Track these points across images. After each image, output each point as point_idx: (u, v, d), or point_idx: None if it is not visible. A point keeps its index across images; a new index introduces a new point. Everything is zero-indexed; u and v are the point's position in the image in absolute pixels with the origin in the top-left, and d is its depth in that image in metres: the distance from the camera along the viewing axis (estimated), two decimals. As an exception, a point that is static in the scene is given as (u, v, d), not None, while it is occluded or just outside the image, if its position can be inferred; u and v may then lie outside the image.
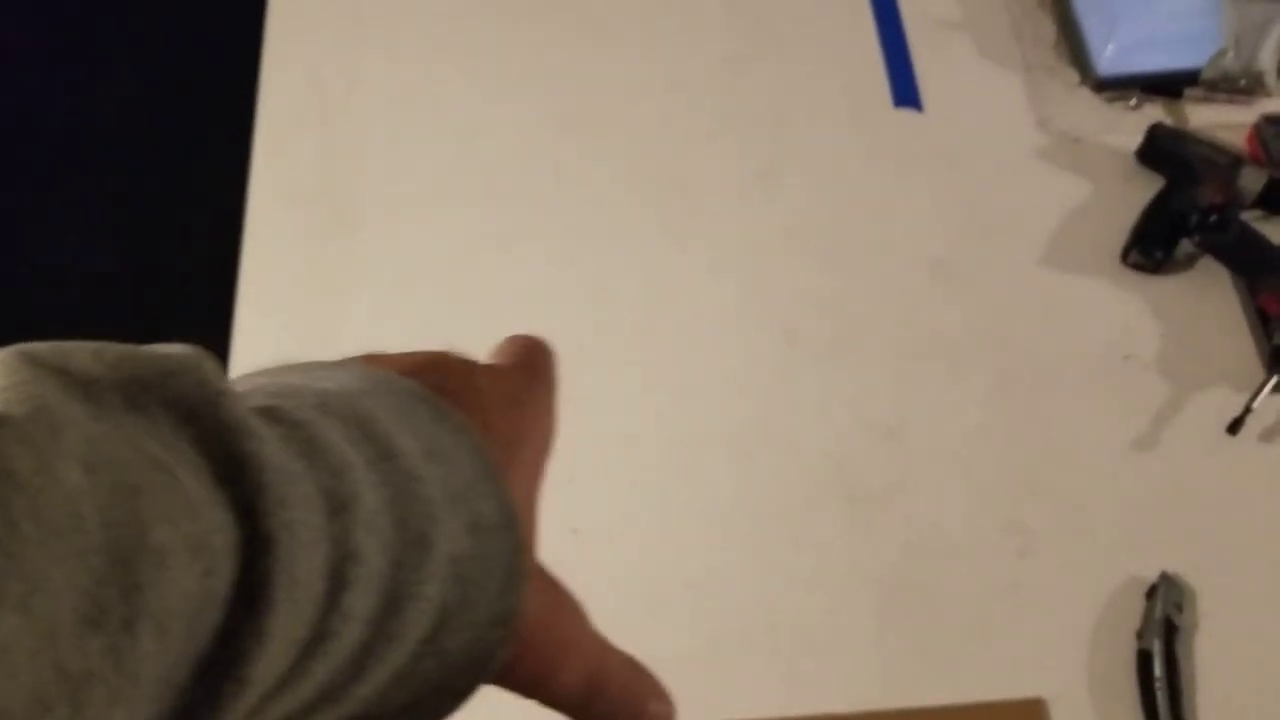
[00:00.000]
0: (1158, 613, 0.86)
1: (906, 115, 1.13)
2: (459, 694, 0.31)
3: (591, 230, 1.06)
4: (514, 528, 0.31)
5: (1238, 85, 1.11)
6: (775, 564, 0.90)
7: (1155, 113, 1.12)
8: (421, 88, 1.14)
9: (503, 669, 0.32)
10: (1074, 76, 1.14)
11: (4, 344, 0.25)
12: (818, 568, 0.90)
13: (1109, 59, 1.13)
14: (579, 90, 1.14)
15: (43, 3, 1.94)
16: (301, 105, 1.12)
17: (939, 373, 0.98)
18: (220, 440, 0.25)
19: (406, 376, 0.33)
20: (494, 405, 0.35)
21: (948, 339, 1.00)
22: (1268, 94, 1.11)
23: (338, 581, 0.26)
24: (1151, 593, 0.87)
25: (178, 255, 1.69)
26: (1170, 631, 0.85)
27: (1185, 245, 1.02)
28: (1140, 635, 0.86)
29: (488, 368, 0.37)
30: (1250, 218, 1.03)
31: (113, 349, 0.25)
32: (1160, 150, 1.07)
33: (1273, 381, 0.94)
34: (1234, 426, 0.93)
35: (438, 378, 0.33)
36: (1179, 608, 0.86)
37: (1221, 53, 1.11)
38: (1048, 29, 1.18)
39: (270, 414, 0.27)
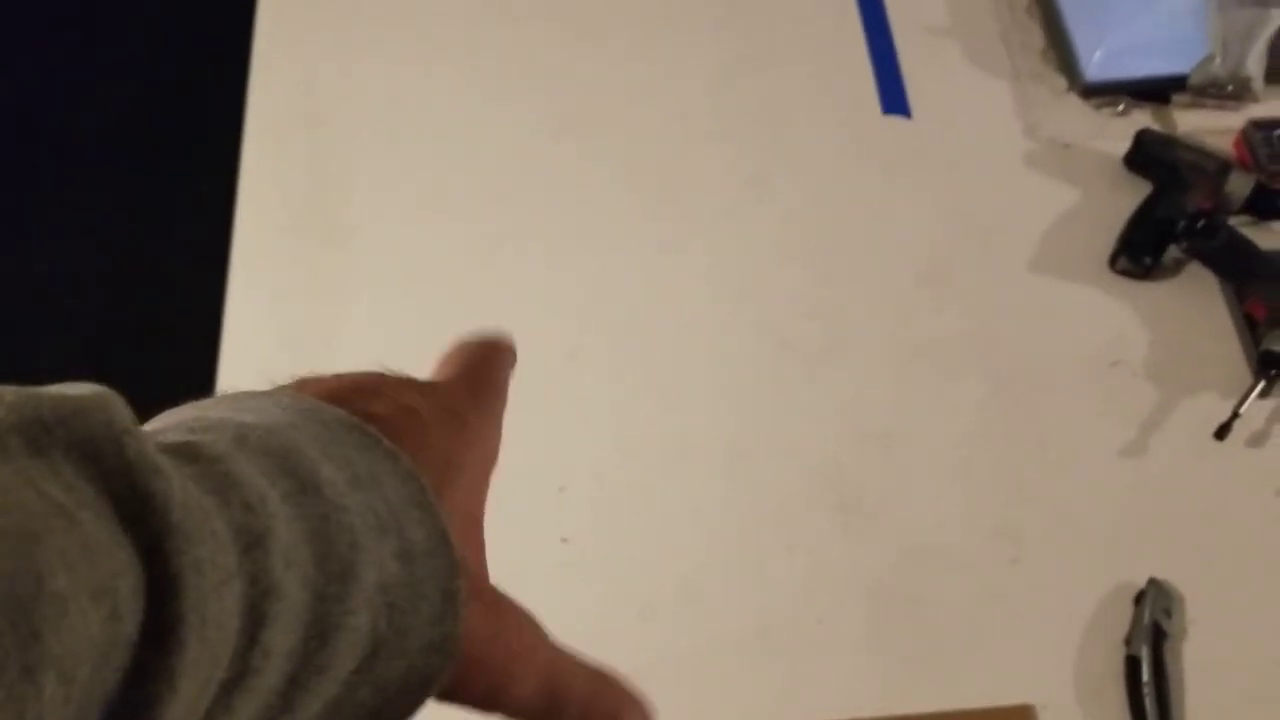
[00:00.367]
0: (1146, 618, 0.86)
1: (896, 122, 1.13)
2: (405, 713, 0.31)
3: (584, 235, 1.06)
4: (448, 552, 0.31)
5: (1225, 90, 1.12)
6: (766, 571, 0.91)
7: (1143, 118, 1.12)
8: (414, 89, 1.14)
9: (452, 688, 0.32)
10: (1062, 83, 1.15)
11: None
12: (809, 574, 0.90)
13: (1097, 65, 1.13)
14: (573, 96, 1.14)
15: (37, 5, 1.94)
16: (292, 107, 1.12)
17: (929, 379, 0.99)
18: (125, 479, 0.24)
19: (337, 402, 0.32)
20: (430, 424, 0.34)
21: (938, 345, 1.00)
22: (1255, 99, 1.12)
23: (255, 618, 0.26)
24: (1140, 598, 0.87)
25: (168, 259, 1.69)
26: (1159, 637, 0.85)
27: (1173, 251, 1.03)
28: (1129, 641, 0.86)
29: (425, 385, 0.36)
30: (1238, 223, 1.04)
31: (12, 391, 0.24)
32: (1148, 156, 1.08)
33: (1260, 386, 0.94)
34: (1222, 431, 0.93)
35: (369, 401, 0.33)
36: (1167, 613, 0.87)
37: (1208, 58, 1.11)
38: (1036, 36, 1.18)
39: (184, 450, 0.27)
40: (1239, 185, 1.04)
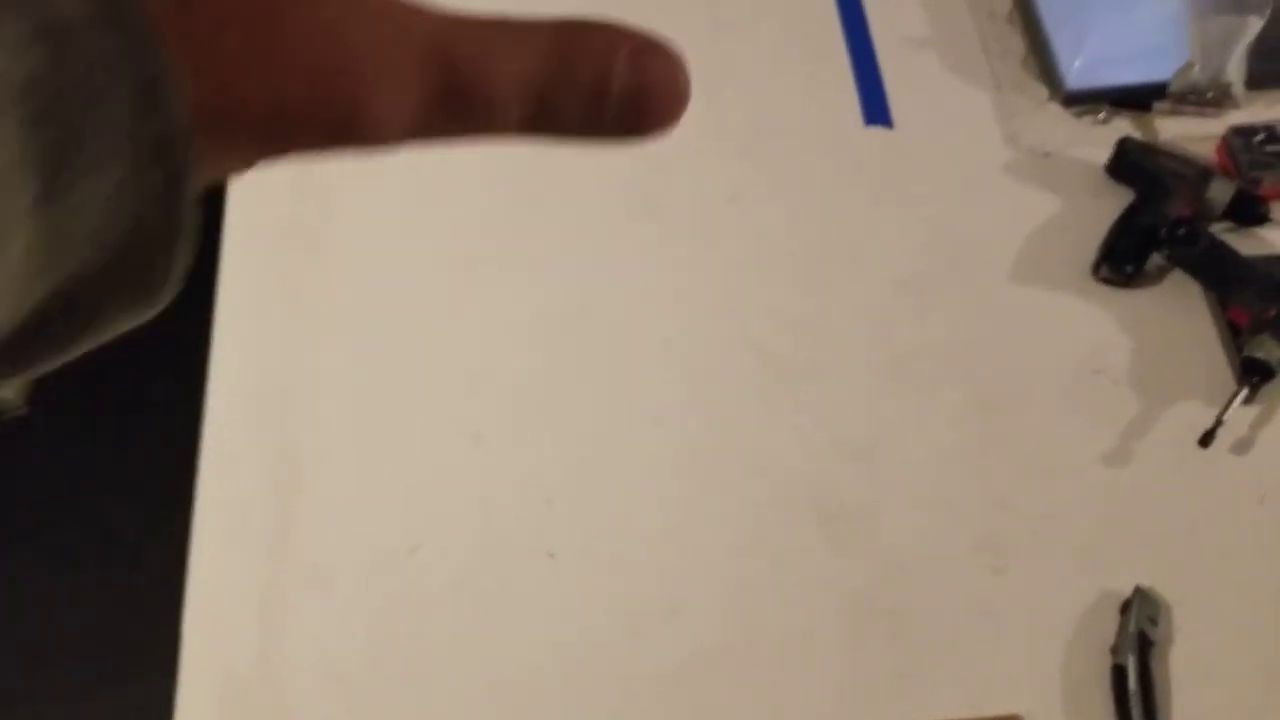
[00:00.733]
0: (1132, 627, 0.86)
1: (877, 133, 1.13)
2: (165, 223, 0.23)
3: (565, 248, 1.06)
4: (130, 21, 0.21)
5: (1205, 98, 1.12)
6: (749, 585, 0.91)
7: (1124, 126, 1.12)
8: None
9: (261, 146, 0.24)
10: (1043, 92, 1.15)
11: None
12: (792, 588, 0.90)
13: (1077, 73, 1.13)
14: None
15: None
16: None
17: (910, 390, 0.99)
18: None
19: None
20: None
21: (919, 356, 1.00)
22: (1235, 105, 1.12)
23: None
24: (1126, 607, 0.87)
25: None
26: (1145, 646, 0.85)
27: (1156, 259, 1.03)
28: (1115, 650, 0.86)
29: None
30: (1219, 230, 1.04)
31: None
32: (1130, 164, 1.08)
33: (1243, 393, 0.94)
34: (1206, 439, 0.93)
35: None
36: (1153, 622, 0.86)
37: (1188, 65, 1.11)
38: (1016, 44, 1.18)
39: None
40: (1220, 192, 1.04)
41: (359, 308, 1.03)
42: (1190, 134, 1.11)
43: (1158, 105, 1.13)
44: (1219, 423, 0.93)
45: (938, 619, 0.89)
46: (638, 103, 0.25)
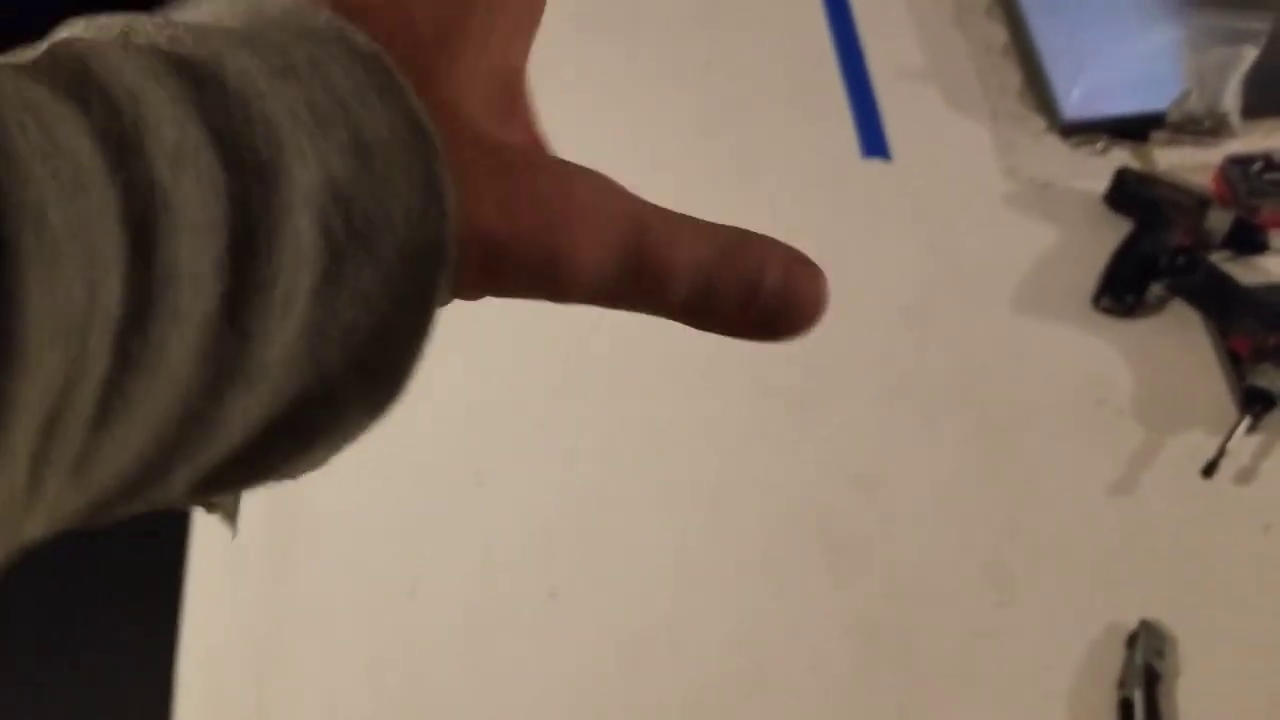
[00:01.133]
0: (1139, 660, 0.85)
1: (875, 165, 1.13)
2: (412, 329, 0.26)
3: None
4: (421, 140, 0.25)
5: (1203, 127, 1.12)
6: (754, 614, 0.90)
7: (1122, 156, 1.12)
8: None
9: (485, 281, 0.27)
10: (1040, 123, 1.15)
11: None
12: (797, 618, 0.90)
13: (1075, 103, 1.14)
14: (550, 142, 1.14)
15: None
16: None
17: (913, 420, 0.98)
18: None
19: None
20: None
21: (921, 387, 1.00)
22: (1232, 134, 1.12)
23: (141, 233, 0.22)
24: (1132, 640, 0.86)
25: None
26: (1152, 679, 0.84)
27: (1156, 288, 1.03)
28: (1122, 683, 0.85)
29: None
30: (1219, 259, 1.04)
31: None
32: (1128, 194, 1.08)
33: (1246, 422, 0.94)
34: (1209, 469, 0.93)
35: None
36: (1160, 654, 0.86)
37: (1185, 95, 1.12)
38: (1013, 76, 1.19)
39: (51, 53, 0.23)
40: (1219, 221, 1.04)
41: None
42: (1188, 163, 1.11)
43: (1155, 135, 1.13)
44: (1222, 452, 0.93)
45: (942, 650, 0.88)
46: (783, 300, 0.30)
